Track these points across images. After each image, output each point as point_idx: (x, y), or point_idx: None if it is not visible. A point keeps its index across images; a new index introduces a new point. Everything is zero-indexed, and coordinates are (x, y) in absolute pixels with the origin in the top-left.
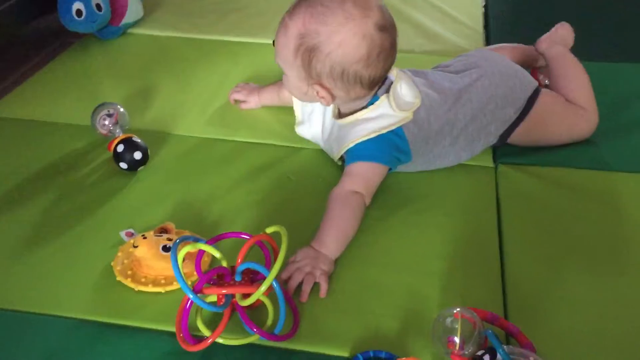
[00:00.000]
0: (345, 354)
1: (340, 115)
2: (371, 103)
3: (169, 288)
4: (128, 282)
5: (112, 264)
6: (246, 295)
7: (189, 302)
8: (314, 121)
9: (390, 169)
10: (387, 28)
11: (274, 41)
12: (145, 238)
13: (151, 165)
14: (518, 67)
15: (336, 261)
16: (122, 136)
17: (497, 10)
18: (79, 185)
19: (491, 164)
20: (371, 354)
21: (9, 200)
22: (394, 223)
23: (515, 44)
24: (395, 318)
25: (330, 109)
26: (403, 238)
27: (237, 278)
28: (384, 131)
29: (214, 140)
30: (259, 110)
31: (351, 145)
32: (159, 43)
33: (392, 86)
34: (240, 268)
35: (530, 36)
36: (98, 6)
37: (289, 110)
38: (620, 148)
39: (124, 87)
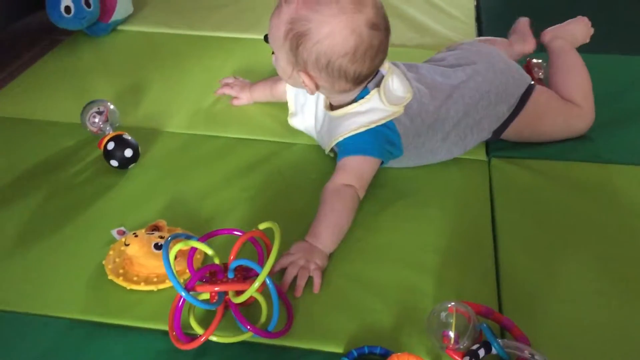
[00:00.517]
0: (340, 350)
1: (331, 107)
2: (361, 97)
3: (161, 286)
4: (120, 281)
5: (103, 262)
6: (239, 293)
7: (182, 300)
8: (307, 113)
9: (382, 162)
10: (379, 27)
11: (265, 36)
12: (136, 236)
13: (142, 162)
14: (512, 62)
15: (330, 256)
16: (112, 134)
17: (489, 3)
18: (69, 184)
19: (484, 158)
20: (366, 350)
21: None
22: (387, 217)
23: (500, 38)
24: (390, 313)
25: (322, 100)
26: (397, 232)
27: (230, 275)
28: (374, 125)
29: (206, 136)
30: (250, 106)
31: (341, 138)
32: (149, 39)
33: (384, 80)
34: (233, 265)
35: None
36: (87, 3)
37: (280, 105)
38: (614, 140)
39: (114, 84)
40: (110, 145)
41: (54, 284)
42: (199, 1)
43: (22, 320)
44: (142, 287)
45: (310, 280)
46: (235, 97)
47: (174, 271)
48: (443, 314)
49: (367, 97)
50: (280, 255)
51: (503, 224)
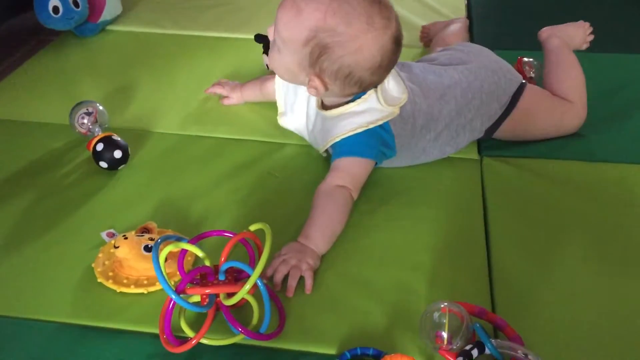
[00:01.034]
0: (333, 352)
1: (323, 106)
2: (358, 97)
3: (151, 289)
4: (110, 284)
5: (93, 265)
6: (230, 295)
7: (172, 303)
8: (297, 112)
9: (376, 164)
10: (400, 42)
11: (256, 36)
12: (126, 238)
13: (132, 163)
14: (503, 61)
15: (322, 257)
16: (101, 135)
17: (480, 2)
18: (57, 186)
19: (476, 157)
20: (359, 351)
21: None
22: (380, 217)
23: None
24: (383, 314)
25: (313, 99)
26: (389, 232)
27: (221, 277)
28: (371, 126)
29: (196, 137)
30: (240, 107)
31: (338, 139)
32: (138, 40)
33: None
34: (224, 267)
35: (513, 28)
36: (75, 3)
37: (271, 105)
38: (606, 138)
39: (103, 85)
40: (100, 147)
41: (42, 287)
42: (189, 1)
43: (9, 324)
44: (132, 289)
45: (302, 281)
46: (226, 97)
47: (165, 273)
48: (436, 314)
49: (364, 97)
50: (271, 256)
51: (495, 223)
